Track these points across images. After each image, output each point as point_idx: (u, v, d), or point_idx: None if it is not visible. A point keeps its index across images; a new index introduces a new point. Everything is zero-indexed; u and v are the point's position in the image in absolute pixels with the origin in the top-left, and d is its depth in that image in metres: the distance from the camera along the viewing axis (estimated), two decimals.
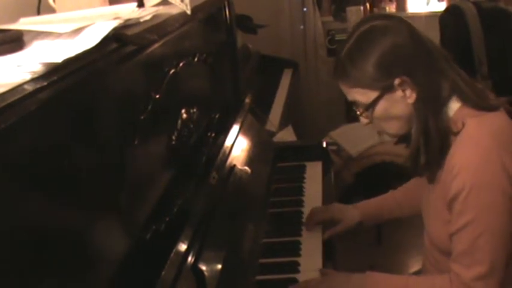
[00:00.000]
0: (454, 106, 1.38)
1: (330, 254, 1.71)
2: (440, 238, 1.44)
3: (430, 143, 1.37)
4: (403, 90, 1.35)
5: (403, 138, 1.49)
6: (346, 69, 1.38)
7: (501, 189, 1.29)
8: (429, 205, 1.49)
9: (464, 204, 1.31)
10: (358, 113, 1.44)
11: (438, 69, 1.38)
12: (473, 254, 1.32)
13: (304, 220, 1.84)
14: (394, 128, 1.44)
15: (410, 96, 1.36)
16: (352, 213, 1.81)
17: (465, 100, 1.37)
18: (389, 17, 1.48)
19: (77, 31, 1.02)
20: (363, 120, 1.45)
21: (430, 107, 1.36)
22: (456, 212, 1.34)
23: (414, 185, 1.78)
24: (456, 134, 1.34)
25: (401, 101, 1.37)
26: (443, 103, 1.38)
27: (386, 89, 1.36)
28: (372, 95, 1.37)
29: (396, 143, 1.53)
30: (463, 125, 1.34)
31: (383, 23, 1.38)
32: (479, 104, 1.37)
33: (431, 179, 1.44)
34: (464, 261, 1.34)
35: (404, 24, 1.39)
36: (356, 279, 1.51)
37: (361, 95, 1.39)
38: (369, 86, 1.37)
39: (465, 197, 1.30)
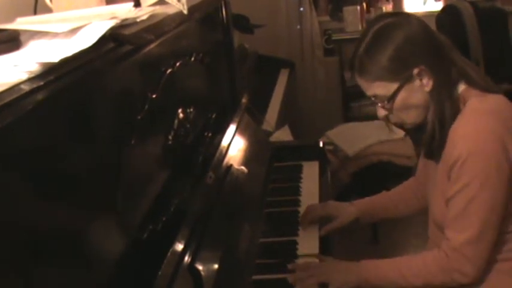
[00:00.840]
0: (460, 88, 1.45)
1: (327, 254, 1.71)
2: (443, 216, 1.47)
3: (445, 126, 1.43)
4: (421, 79, 1.42)
5: (412, 131, 1.56)
6: (364, 65, 1.45)
7: (496, 159, 1.35)
8: (434, 184, 1.53)
9: (461, 170, 1.37)
10: (379, 105, 1.48)
11: (448, 58, 1.46)
12: (464, 218, 1.39)
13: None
14: (412, 117, 1.49)
15: (428, 84, 1.43)
16: (348, 210, 1.82)
17: (471, 83, 1.45)
18: (400, 13, 1.59)
19: (74, 31, 1.02)
20: (381, 112, 1.50)
21: (444, 92, 1.43)
22: (453, 178, 1.40)
23: (411, 184, 1.80)
24: (460, 111, 1.42)
25: (419, 90, 1.44)
26: (454, 88, 1.44)
27: (406, 80, 1.42)
28: (392, 87, 1.43)
29: (406, 134, 1.59)
30: (465, 102, 1.42)
31: (394, 19, 1.46)
32: (483, 86, 1.45)
33: (439, 158, 1.48)
34: (456, 225, 1.41)
35: (414, 17, 1.47)
36: (353, 266, 1.56)
37: (382, 88, 1.45)
38: (388, 79, 1.43)
39: (462, 164, 1.37)
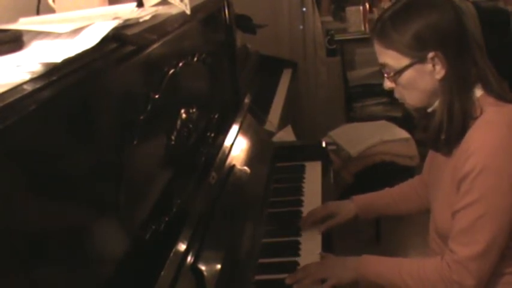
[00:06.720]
0: (477, 93, 1.42)
1: (329, 253, 1.71)
2: (446, 224, 1.46)
3: (453, 122, 1.41)
4: (434, 65, 1.40)
5: (419, 116, 1.53)
6: (386, 29, 1.43)
7: (510, 175, 1.33)
8: (439, 190, 1.52)
9: (472, 184, 1.35)
10: (385, 75, 1.47)
11: (471, 55, 1.42)
12: (471, 234, 1.37)
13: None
14: (414, 98, 1.47)
15: (439, 72, 1.40)
16: (348, 206, 1.84)
17: (488, 89, 1.42)
18: None
19: (76, 31, 1.02)
20: (387, 83, 1.48)
21: (456, 87, 1.40)
22: (462, 191, 1.38)
23: (415, 183, 1.80)
24: (475, 119, 1.39)
25: (429, 75, 1.41)
26: (469, 88, 1.42)
27: (418, 59, 1.40)
28: (404, 61, 1.42)
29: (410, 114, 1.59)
30: (482, 112, 1.39)
31: None
32: (501, 95, 1.43)
33: (449, 154, 1.47)
34: (462, 239, 1.38)
35: (451, 4, 1.43)
36: (352, 261, 1.58)
37: (393, 59, 1.43)
38: (402, 52, 1.41)
39: (474, 178, 1.34)
